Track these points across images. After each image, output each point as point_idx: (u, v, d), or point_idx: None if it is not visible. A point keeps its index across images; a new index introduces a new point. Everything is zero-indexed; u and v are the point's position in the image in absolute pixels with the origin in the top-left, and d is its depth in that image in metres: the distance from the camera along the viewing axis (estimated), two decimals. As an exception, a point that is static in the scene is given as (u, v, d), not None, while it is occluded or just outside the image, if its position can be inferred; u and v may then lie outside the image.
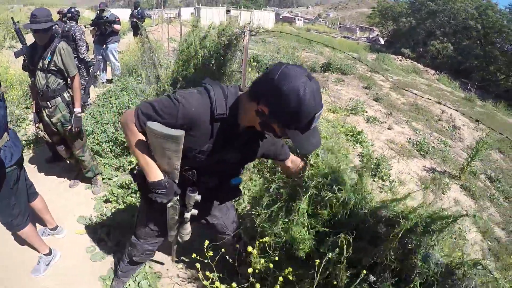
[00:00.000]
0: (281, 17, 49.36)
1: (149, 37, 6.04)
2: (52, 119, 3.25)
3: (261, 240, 1.80)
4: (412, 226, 1.42)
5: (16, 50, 3.25)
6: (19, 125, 5.02)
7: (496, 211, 5.69)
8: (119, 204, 3.46)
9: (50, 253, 2.75)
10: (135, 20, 8.58)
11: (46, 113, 3.24)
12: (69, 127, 3.23)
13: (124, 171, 4.06)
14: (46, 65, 3.04)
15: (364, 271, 1.51)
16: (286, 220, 1.75)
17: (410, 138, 6.99)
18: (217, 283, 1.78)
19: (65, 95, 3.23)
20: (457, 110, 4.20)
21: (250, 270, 1.81)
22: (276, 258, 1.80)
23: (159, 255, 2.90)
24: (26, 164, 3.97)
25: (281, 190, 1.89)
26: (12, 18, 3.86)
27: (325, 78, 9.81)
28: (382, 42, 36.44)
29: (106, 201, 3.56)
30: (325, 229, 1.71)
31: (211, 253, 1.85)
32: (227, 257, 2.21)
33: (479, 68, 25.95)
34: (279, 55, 10.24)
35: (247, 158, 1.76)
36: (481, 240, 4.76)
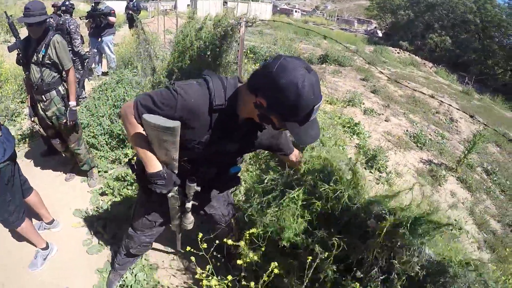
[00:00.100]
0: (278, 9, 48.99)
1: (145, 29, 5.98)
2: (47, 113, 3.22)
3: (249, 232, 1.80)
4: (401, 223, 1.41)
5: (9, 44, 3.21)
6: (14, 120, 4.99)
7: (492, 204, 5.72)
8: (115, 197, 3.45)
9: (47, 247, 2.75)
10: (130, 12, 8.46)
11: (41, 106, 3.21)
12: (64, 121, 3.21)
13: (120, 163, 4.05)
14: (41, 59, 3.01)
15: (352, 268, 1.51)
16: (277, 209, 1.74)
17: (407, 130, 6.99)
18: (209, 281, 1.78)
19: (60, 88, 3.20)
20: (450, 105, 4.19)
21: (239, 262, 1.83)
22: (263, 249, 1.80)
23: (155, 247, 2.89)
24: (21, 159, 4.02)
25: (276, 181, 1.87)
26: (5, 12, 3.82)
27: (323, 69, 9.77)
28: (380, 35, 36.32)
29: (102, 194, 3.55)
30: (316, 222, 1.70)
31: (205, 245, 1.85)
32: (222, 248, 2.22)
33: (477, 62, 25.95)
34: (276, 47, 10.19)
35: (246, 148, 1.76)
36: (477, 232, 4.78)
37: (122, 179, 3.61)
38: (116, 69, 6.63)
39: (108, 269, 2.70)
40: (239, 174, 1.96)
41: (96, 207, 3.36)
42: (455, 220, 4.35)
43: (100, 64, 7.18)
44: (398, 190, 1.52)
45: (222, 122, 1.51)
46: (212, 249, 1.87)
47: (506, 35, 26.31)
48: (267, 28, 18.46)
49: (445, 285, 1.31)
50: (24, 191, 2.67)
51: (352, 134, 5.86)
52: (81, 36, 5.86)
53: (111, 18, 6.68)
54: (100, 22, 6.58)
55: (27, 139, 4.44)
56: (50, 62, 3.05)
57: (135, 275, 2.59)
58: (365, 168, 5.00)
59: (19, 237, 2.81)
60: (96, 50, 6.64)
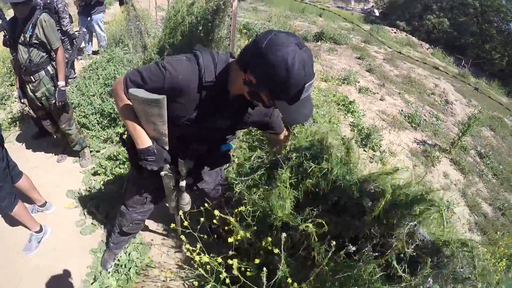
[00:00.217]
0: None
1: (135, 6, 5.80)
2: (36, 94, 3.15)
3: (238, 210, 1.78)
4: (396, 202, 1.38)
5: None
6: (4, 103, 4.86)
7: (484, 187, 5.78)
8: (108, 176, 3.44)
9: (41, 230, 2.75)
10: (121, -11, 8.21)
11: (30, 87, 3.14)
12: (53, 101, 3.15)
13: (112, 142, 4.02)
14: (28, 39, 2.91)
15: (345, 246, 1.48)
16: (266, 187, 1.71)
17: (402, 110, 6.97)
18: (201, 258, 1.76)
19: (49, 68, 3.13)
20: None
21: (230, 239, 1.82)
22: (255, 228, 1.79)
23: (148, 226, 2.91)
24: (13, 142, 3.99)
25: (264, 158, 1.83)
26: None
27: (318, 47, 9.63)
28: (377, 14, 35.83)
29: (95, 173, 3.53)
30: (304, 200, 1.67)
31: (186, 223, 1.84)
32: (212, 225, 2.21)
33: (475, 46, 25.73)
34: (270, 24, 10.02)
35: (238, 125, 1.71)
36: (469, 214, 4.81)
37: (114, 158, 3.58)
38: (106, 47, 6.46)
39: (102, 249, 2.71)
40: (231, 151, 1.92)
41: (89, 187, 3.35)
42: (448, 201, 4.37)
43: (90, 43, 6.95)
44: (394, 168, 1.49)
45: (212, 98, 1.47)
46: (198, 226, 1.84)
47: (505, 20, 26.02)
48: (261, 5, 18.15)
49: (440, 265, 1.29)
50: (13, 176, 2.63)
51: (346, 112, 5.83)
52: (70, 15, 5.65)
53: (101, -5, 6.46)
54: (89, 0, 6.35)
55: (18, 122, 4.36)
56: (37, 42, 2.96)
57: (129, 254, 2.60)
58: (359, 146, 5.00)
59: (13, 221, 2.79)
60: (85, 29, 6.45)
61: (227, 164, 2.20)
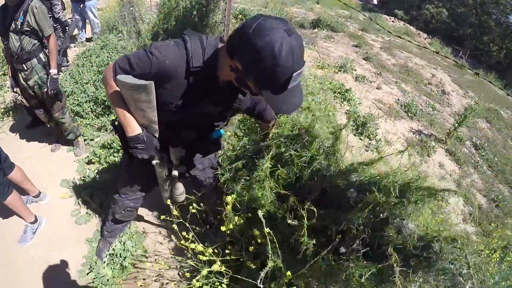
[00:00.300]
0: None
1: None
2: (28, 82, 3.09)
3: (225, 198, 1.76)
4: (384, 194, 1.33)
5: None
6: (-3, 93, 4.79)
7: (479, 178, 5.80)
8: (102, 165, 3.42)
9: (35, 221, 2.74)
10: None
11: (22, 76, 3.08)
12: (46, 90, 3.09)
13: (106, 130, 3.98)
14: (19, 26, 2.83)
15: (333, 239, 1.45)
16: (248, 178, 1.70)
17: (398, 99, 6.95)
18: (195, 246, 1.75)
19: (41, 56, 3.06)
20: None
21: (222, 228, 1.82)
22: (244, 217, 1.76)
23: (143, 215, 2.92)
24: (6, 132, 3.94)
25: (248, 147, 1.81)
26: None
27: (314, 34, 9.54)
28: (375, 2, 35.57)
29: (89, 162, 3.51)
30: (284, 191, 1.64)
31: (175, 212, 1.84)
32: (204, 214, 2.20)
33: (473, 37, 25.64)
34: (267, 10, 9.89)
35: (228, 112, 1.68)
36: (463, 204, 4.83)
37: (109, 147, 3.55)
38: (100, 34, 6.34)
39: (98, 238, 2.71)
40: (224, 138, 1.89)
41: (83, 176, 3.33)
42: (450, 191, 4.37)
43: (83, 30, 6.81)
44: (377, 156, 1.44)
45: (201, 84, 1.44)
46: (189, 215, 1.85)
47: (504, 13, 25.91)
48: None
49: (429, 261, 1.26)
50: (5, 168, 2.60)
51: (342, 100, 5.79)
52: (62, 1, 5.53)
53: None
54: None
55: (11, 112, 4.28)
56: (29, 29, 2.88)
57: (124, 244, 2.60)
58: (355, 135, 4.98)
59: (7, 213, 2.77)
60: (78, 16, 6.32)
61: (220, 151, 2.17)
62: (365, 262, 1.37)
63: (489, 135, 7.49)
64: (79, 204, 3.04)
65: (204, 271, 1.66)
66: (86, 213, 2.96)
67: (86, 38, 6.77)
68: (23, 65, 3.00)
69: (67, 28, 5.30)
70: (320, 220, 1.51)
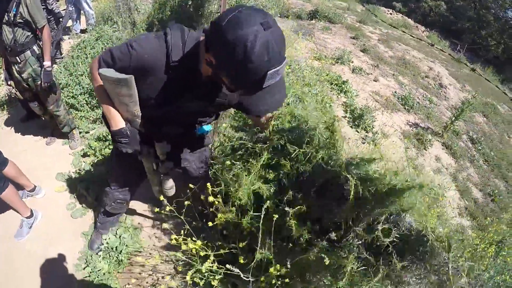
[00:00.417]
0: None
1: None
2: (22, 75, 3.06)
3: (215, 189, 1.77)
4: (380, 189, 1.33)
5: None
6: (-9, 87, 4.74)
7: (475, 172, 5.82)
8: (97, 157, 3.40)
9: (31, 215, 2.73)
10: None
11: (16, 69, 3.05)
12: (40, 82, 3.06)
13: (101, 123, 3.94)
14: (12, 18, 2.79)
15: (329, 230, 1.45)
16: (240, 167, 1.69)
17: (395, 92, 6.91)
18: (186, 243, 1.75)
19: (35, 48, 3.03)
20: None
21: (216, 222, 1.82)
22: (235, 210, 1.75)
23: (139, 209, 2.92)
24: (1, 127, 3.90)
25: (245, 140, 1.79)
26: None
27: (312, 25, 9.46)
28: (374, -5, 35.43)
29: (84, 155, 3.49)
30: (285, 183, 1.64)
31: (169, 207, 1.84)
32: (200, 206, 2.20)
33: (471, 31, 25.53)
34: (263, 0, 9.82)
35: (212, 107, 1.63)
36: (459, 198, 4.85)
37: (104, 139, 3.52)
38: (95, 25, 6.23)
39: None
40: (220, 131, 1.87)
41: (79, 169, 3.32)
42: (439, 184, 4.40)
43: (78, 21, 6.71)
44: (374, 156, 1.42)
45: (181, 79, 1.39)
46: (183, 210, 1.84)
47: (503, 7, 25.82)
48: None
49: (424, 255, 1.27)
50: None
51: (339, 92, 5.76)
52: (56, -7, 5.48)
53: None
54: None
55: (5, 106, 4.24)
56: (22, 21, 2.84)
57: (120, 237, 2.60)
58: (351, 127, 4.97)
59: (3, 207, 2.76)
60: (72, 8, 6.24)
61: (209, 145, 2.16)
62: (362, 255, 1.37)
63: (485, 130, 7.49)
64: (74, 197, 3.03)
65: (196, 268, 1.66)
66: (82, 206, 2.95)
67: (81, 30, 6.68)
68: (17, 57, 2.96)
69: (60, 19, 5.23)
70: (314, 211, 1.51)
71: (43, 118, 3.67)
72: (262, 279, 1.67)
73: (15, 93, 3.33)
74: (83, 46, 4.86)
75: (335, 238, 1.48)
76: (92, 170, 3.26)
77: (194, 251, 1.76)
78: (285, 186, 1.67)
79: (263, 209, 1.59)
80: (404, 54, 9.36)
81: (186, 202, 1.84)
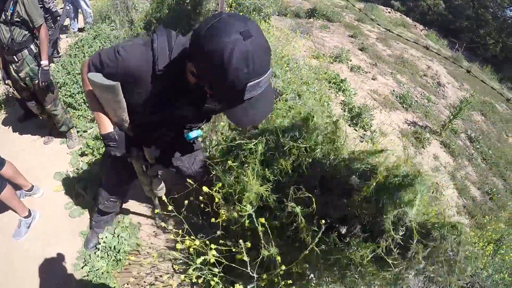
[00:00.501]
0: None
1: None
2: (20, 74, 3.05)
3: (215, 189, 1.77)
4: (384, 182, 1.32)
5: None
6: (-13, 87, 4.72)
7: (473, 171, 5.83)
8: (95, 157, 3.39)
9: (29, 215, 2.73)
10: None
11: (13, 68, 3.03)
12: (37, 81, 3.05)
13: (98, 122, 3.90)
14: (9, 17, 2.77)
15: (334, 226, 1.45)
16: (238, 168, 1.69)
17: (393, 90, 6.92)
18: (183, 242, 1.75)
19: (32, 47, 3.01)
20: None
21: (218, 220, 1.81)
22: (238, 208, 1.76)
23: (137, 207, 2.91)
24: None
25: (237, 138, 1.79)
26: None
27: (310, 24, 9.45)
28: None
29: (82, 154, 3.48)
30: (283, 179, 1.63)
31: (170, 207, 1.82)
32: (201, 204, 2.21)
33: (469, 30, 25.54)
34: (262, -2, 9.78)
35: (202, 113, 1.62)
36: (457, 197, 4.85)
37: (101, 138, 3.48)
38: (93, 24, 6.23)
39: None
40: (218, 130, 1.87)
41: (76, 169, 3.31)
42: (437, 183, 4.41)
43: (76, 19, 6.69)
44: (379, 149, 1.43)
45: (169, 86, 1.36)
46: (184, 209, 1.84)
47: (501, 6, 25.83)
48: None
49: (429, 247, 1.26)
50: None
51: (337, 90, 5.76)
52: (53, -9, 5.46)
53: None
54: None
55: (3, 105, 4.22)
56: (19, 20, 2.82)
57: (118, 236, 2.60)
58: (350, 125, 4.97)
59: (1, 208, 2.76)
60: (69, 7, 6.21)
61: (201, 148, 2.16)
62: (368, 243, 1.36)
63: (483, 128, 7.50)
64: (72, 196, 3.02)
65: (194, 265, 1.66)
66: (80, 205, 2.94)
67: (79, 28, 6.67)
68: (14, 56, 2.95)
69: (57, 18, 5.21)
70: (320, 207, 1.50)
71: (41, 118, 3.65)
72: (264, 276, 1.66)
73: (12, 93, 3.32)
74: (81, 45, 4.84)
75: (343, 232, 1.48)
76: (90, 169, 3.25)
77: (191, 250, 1.75)
78: (283, 183, 1.66)
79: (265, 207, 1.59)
80: (402, 52, 9.37)
81: (185, 202, 1.84)
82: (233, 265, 1.67)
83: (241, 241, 1.57)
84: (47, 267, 2.48)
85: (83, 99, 4.03)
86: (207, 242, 1.74)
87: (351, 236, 1.43)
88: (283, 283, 1.58)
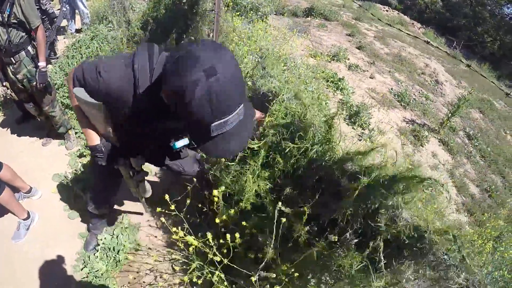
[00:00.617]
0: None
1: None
2: (17, 76, 3.04)
3: (215, 191, 1.78)
4: (374, 184, 1.31)
5: None
6: (-15, 89, 4.71)
7: (472, 168, 5.83)
8: None
9: (28, 217, 2.73)
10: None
11: (10, 70, 3.02)
12: (35, 83, 3.04)
13: (97, 123, 3.89)
14: (6, 19, 2.76)
15: (326, 228, 1.45)
16: (238, 168, 1.70)
17: (391, 89, 6.92)
18: (185, 238, 1.75)
19: (30, 48, 3.00)
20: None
21: (216, 220, 1.85)
22: (231, 212, 1.76)
23: (136, 208, 2.90)
24: None
25: None
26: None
27: (307, 23, 9.45)
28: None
29: (80, 155, 3.47)
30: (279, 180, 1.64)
31: (172, 207, 1.84)
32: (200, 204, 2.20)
33: (467, 28, 25.51)
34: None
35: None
36: (456, 194, 4.86)
37: (100, 139, 3.48)
38: (90, 24, 6.20)
39: None
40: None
41: (75, 170, 3.30)
42: (435, 180, 4.40)
43: (73, 20, 6.66)
44: (371, 147, 1.40)
45: (152, 104, 1.30)
46: (184, 209, 1.85)
47: (499, 4, 25.85)
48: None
49: (422, 250, 1.26)
50: None
51: (335, 89, 5.76)
52: (49, -8, 5.45)
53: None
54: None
55: (0, 107, 4.21)
56: (16, 22, 2.81)
57: (117, 237, 2.60)
58: (348, 124, 4.97)
59: (0, 210, 2.75)
60: (65, 9, 6.18)
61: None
62: (356, 253, 1.36)
63: (482, 126, 7.51)
64: (71, 198, 3.01)
65: (194, 265, 1.66)
66: (79, 207, 2.93)
67: (76, 29, 6.65)
68: (11, 58, 2.94)
69: (54, 19, 5.20)
70: (314, 208, 1.50)
71: (39, 119, 3.64)
72: (264, 275, 1.67)
73: (10, 94, 3.31)
74: (78, 46, 4.82)
75: (332, 237, 1.47)
76: (88, 170, 3.24)
77: (191, 250, 1.75)
78: (280, 183, 1.66)
79: (264, 208, 1.59)
80: (400, 51, 9.37)
81: (187, 201, 1.85)
82: (233, 265, 1.67)
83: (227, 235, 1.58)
84: (47, 269, 2.48)
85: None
86: (207, 242, 1.73)
87: (342, 241, 1.43)
88: (287, 279, 1.58)
